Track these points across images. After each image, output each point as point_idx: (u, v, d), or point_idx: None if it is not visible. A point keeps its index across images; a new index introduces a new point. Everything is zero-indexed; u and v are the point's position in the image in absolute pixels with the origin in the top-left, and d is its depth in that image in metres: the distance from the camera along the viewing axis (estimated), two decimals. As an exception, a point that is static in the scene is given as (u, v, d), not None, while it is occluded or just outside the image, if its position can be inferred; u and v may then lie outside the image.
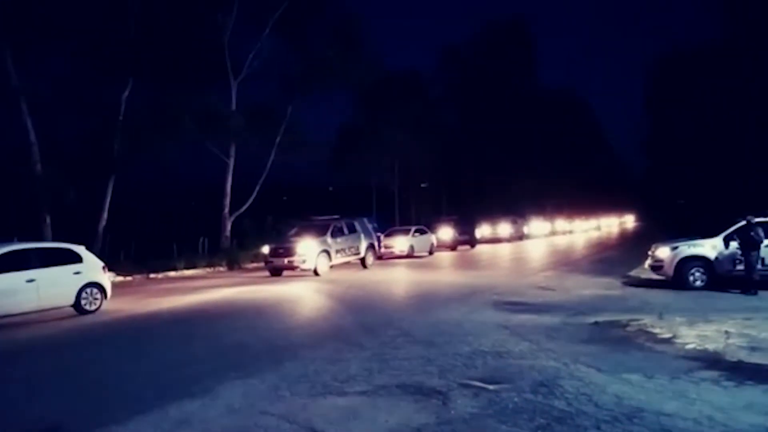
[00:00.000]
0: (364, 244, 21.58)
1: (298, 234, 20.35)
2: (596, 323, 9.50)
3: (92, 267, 13.00)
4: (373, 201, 41.58)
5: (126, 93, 23.02)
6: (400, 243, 27.29)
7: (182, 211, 19.17)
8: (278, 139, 27.34)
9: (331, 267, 20.12)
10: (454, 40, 74.96)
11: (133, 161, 23.90)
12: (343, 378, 6.60)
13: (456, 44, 53.70)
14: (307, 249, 19.10)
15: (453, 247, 32.62)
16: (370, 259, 21.97)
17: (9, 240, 12.72)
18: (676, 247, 13.74)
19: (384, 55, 61.86)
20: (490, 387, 6.04)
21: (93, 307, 12.70)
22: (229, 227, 26.78)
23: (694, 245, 13.53)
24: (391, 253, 26.85)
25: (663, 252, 13.95)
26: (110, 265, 20.12)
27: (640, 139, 57.64)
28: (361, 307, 12.34)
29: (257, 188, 28.08)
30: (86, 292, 12.60)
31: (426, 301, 13.14)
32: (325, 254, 19.44)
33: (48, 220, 21.09)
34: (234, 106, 26.45)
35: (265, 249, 20.10)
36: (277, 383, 6.51)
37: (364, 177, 40.77)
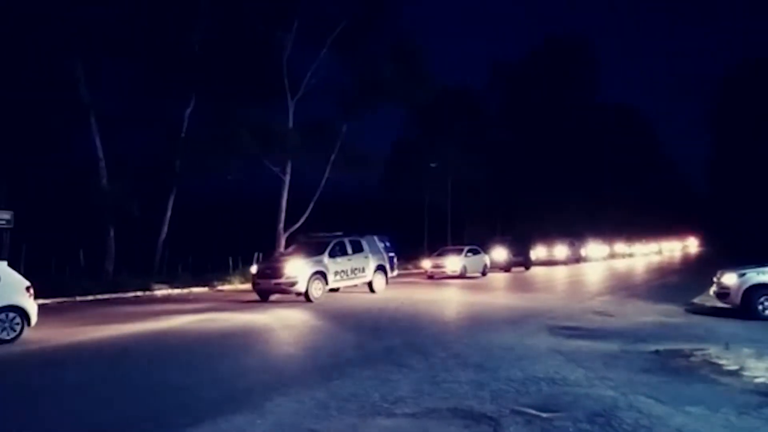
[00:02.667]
0: (372, 266, 19.48)
1: (293, 252, 18.76)
2: (657, 352, 9.10)
3: (9, 287, 10.88)
4: (425, 219, 41.43)
5: (189, 110, 23.81)
6: (452, 263, 26.73)
7: (239, 227, 19.48)
8: (333, 157, 27.66)
9: (332, 290, 18.57)
10: (508, 56, 74.41)
11: (194, 176, 24.63)
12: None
13: (511, 61, 53.39)
14: (297, 270, 16.93)
15: (507, 269, 32.19)
16: (379, 283, 19.77)
17: None
18: (743, 274, 13.07)
19: (439, 73, 61.86)
20: (544, 415, 5.83)
21: (9, 336, 10.64)
22: (283, 243, 27.16)
23: (764, 272, 12.84)
24: (443, 273, 26.34)
25: (730, 279, 13.30)
26: (168, 278, 20.89)
27: (704, 160, 55.76)
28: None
29: (311, 205, 28.41)
30: None
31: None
32: (319, 276, 17.34)
33: (112, 233, 21.90)
34: (291, 124, 26.95)
35: (254, 269, 18.60)
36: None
37: (417, 195, 40.70)
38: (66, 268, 20.80)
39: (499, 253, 32.36)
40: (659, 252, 65.73)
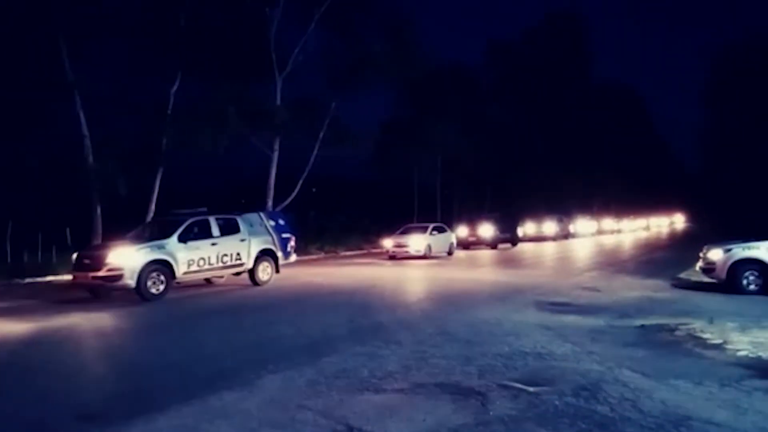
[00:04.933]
0: (253, 251, 15.74)
1: (137, 236, 15.07)
2: (643, 326, 9.21)
3: None
4: (415, 197, 41.42)
5: (174, 87, 23.49)
6: (415, 242, 24.88)
7: (228, 205, 19.19)
8: (322, 134, 27.48)
9: (206, 281, 15.95)
10: (503, 34, 73.94)
11: (180, 155, 24.41)
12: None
13: (505, 38, 53.07)
14: (124, 258, 13.07)
15: (493, 246, 31.61)
16: (264, 272, 16.06)
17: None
18: (729, 249, 13.21)
19: (432, 49, 61.21)
20: (531, 389, 5.90)
21: None
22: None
23: (749, 247, 12.98)
24: (406, 252, 24.62)
25: (715, 254, 13.44)
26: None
27: (695, 136, 55.99)
28: None
29: (300, 183, 28.30)
30: None
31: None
32: (159, 267, 13.48)
33: (99, 210, 21.77)
34: (279, 101, 26.69)
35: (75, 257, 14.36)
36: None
37: (408, 172, 40.63)
38: (53, 247, 20.75)
39: (486, 230, 31.72)
40: (647, 228, 66.27)
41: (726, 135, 44.70)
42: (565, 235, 42.63)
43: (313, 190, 33.05)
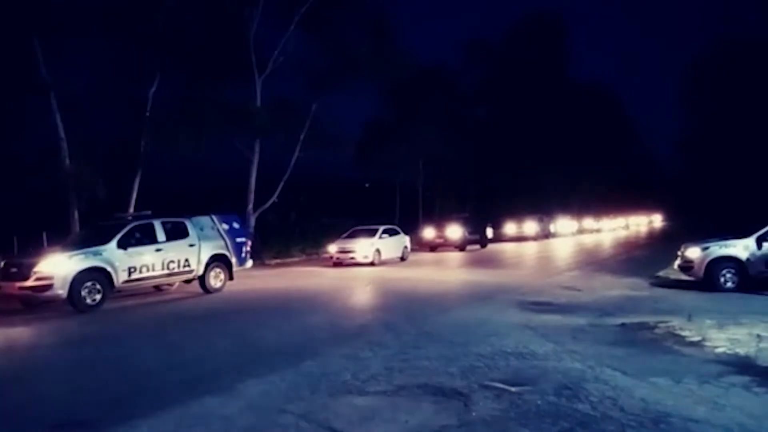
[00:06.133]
0: (203, 256, 14.78)
1: (74, 242, 14.12)
2: (623, 325, 9.31)
3: None
4: (397, 197, 41.46)
5: (153, 89, 23.25)
6: (362, 247, 22.17)
7: (207, 208, 18.89)
8: (303, 136, 27.37)
9: (156, 289, 15.02)
10: (483, 35, 74.33)
11: (160, 157, 24.16)
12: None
13: (485, 38, 53.38)
14: (53, 266, 12.07)
15: (462, 247, 30.19)
16: (215, 279, 15.12)
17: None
18: (706, 248, 13.42)
19: (413, 50, 61.34)
20: (513, 389, 5.93)
21: None
22: (252, 223, 26.91)
23: (726, 245, 13.20)
24: (351, 259, 21.87)
25: (693, 252, 13.64)
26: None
27: (673, 136, 56.78)
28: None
29: (281, 184, 28.16)
30: None
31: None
32: (95, 275, 12.47)
33: (76, 215, 21.44)
34: (259, 102, 26.55)
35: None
36: None
37: (390, 173, 40.67)
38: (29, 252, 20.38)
39: (454, 231, 30.29)
40: (626, 227, 67.00)
41: (703, 135, 45.36)
42: (546, 235, 42.95)
43: (301, 199, 32.80)
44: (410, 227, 32.74)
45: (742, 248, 12.96)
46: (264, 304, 13.31)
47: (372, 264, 21.73)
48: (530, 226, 41.53)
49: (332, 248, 22.98)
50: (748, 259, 12.82)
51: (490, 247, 33.12)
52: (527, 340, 8.28)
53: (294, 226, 27.92)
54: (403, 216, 38.47)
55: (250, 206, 26.94)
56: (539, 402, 5.52)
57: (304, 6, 25.69)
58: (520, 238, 39.88)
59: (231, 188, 28.81)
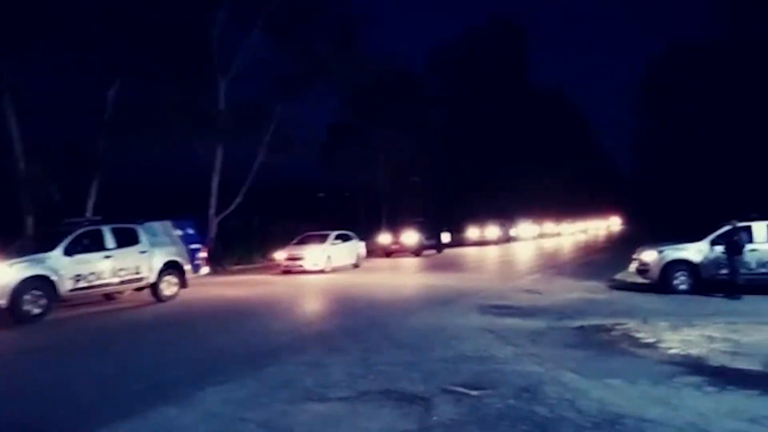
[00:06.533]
0: (156, 263, 14.14)
1: (17, 249, 13.08)
2: (581, 327, 9.49)
3: None
4: (360, 201, 41.46)
5: (112, 91, 22.76)
6: (312, 254, 21.04)
7: (168, 211, 18.40)
8: (267, 139, 27.15)
9: (107, 297, 14.22)
10: (445, 40, 75.14)
11: (120, 160, 23.65)
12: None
13: (447, 44, 54.00)
14: None
15: (417, 253, 29.29)
16: (168, 287, 14.43)
17: None
18: (661, 251, 13.80)
19: (377, 54, 61.39)
20: (473, 393, 5.98)
21: None
22: (215, 228, 26.55)
23: (680, 249, 13.60)
24: (301, 267, 20.68)
25: (649, 255, 14.01)
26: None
27: (629, 141, 58.30)
28: None
29: (244, 189, 27.85)
30: None
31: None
32: (38, 284, 11.83)
33: (31, 220, 20.80)
34: (222, 105, 26.23)
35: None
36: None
37: (354, 177, 40.69)
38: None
39: (410, 237, 29.50)
40: (585, 231, 68.29)
41: (657, 140, 46.73)
42: (508, 239, 43.49)
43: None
44: (374, 232, 32.80)
45: (695, 251, 13.36)
46: (220, 312, 12.94)
47: (322, 271, 20.64)
48: (492, 231, 42.01)
49: (280, 255, 21.90)
50: (701, 262, 13.22)
51: (452, 251, 33.21)
52: (488, 343, 8.37)
53: (257, 231, 27.60)
54: (367, 220, 38.50)
55: (212, 210, 26.57)
56: (499, 405, 5.59)
57: (268, 8, 25.52)
58: (482, 243, 40.29)
59: (193, 192, 28.37)
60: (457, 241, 39.74)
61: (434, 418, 5.34)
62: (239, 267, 24.43)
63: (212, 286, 17.11)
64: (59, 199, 20.56)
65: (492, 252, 33.13)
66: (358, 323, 10.50)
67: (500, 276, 19.32)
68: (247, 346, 8.97)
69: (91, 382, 7.12)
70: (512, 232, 45.22)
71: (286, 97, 27.61)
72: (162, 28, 22.75)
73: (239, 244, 26.16)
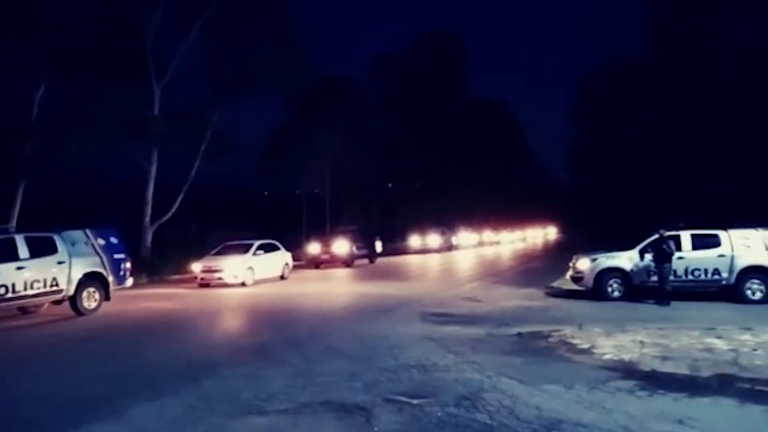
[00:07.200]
0: (75, 274, 13.27)
1: None
2: (519, 334, 9.65)
3: None
4: (303, 208, 41.14)
5: (39, 93, 21.78)
6: (231, 266, 19.53)
7: (99, 220, 17.48)
8: (204, 146, 26.55)
9: (21, 311, 13.40)
10: (386, 50, 75.94)
11: (47, 165, 22.61)
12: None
13: (388, 53, 54.58)
14: None
15: (349, 263, 27.65)
16: (89, 300, 13.54)
17: None
18: (595, 259, 14.24)
19: (318, 60, 61.32)
20: (414, 401, 5.98)
21: None
22: (150, 237, 25.72)
23: (612, 257, 14.07)
24: (219, 280, 19.22)
25: (583, 264, 14.43)
26: None
27: (564, 152, 60.24)
28: None
29: (181, 196, 27.13)
30: None
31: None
32: None
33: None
34: (157, 110, 25.50)
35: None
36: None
37: (295, 184, 40.34)
38: None
39: (341, 246, 27.83)
40: (524, 239, 69.88)
41: (592, 151, 48.46)
42: (449, 247, 43.98)
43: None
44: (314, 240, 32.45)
45: (626, 259, 13.86)
46: (145, 325, 12.32)
47: (243, 285, 19.33)
48: (433, 239, 42.43)
49: (197, 267, 20.18)
50: (632, 270, 13.72)
51: (390, 260, 32.88)
52: (429, 352, 8.41)
53: (194, 240, 26.88)
54: (310, 228, 38.19)
55: (147, 219, 25.75)
56: (439, 414, 5.60)
57: (207, 12, 25.02)
58: (424, 251, 40.61)
59: (127, 199, 27.45)
60: (400, 250, 39.90)
61: (375, 428, 5.30)
62: (177, 277, 23.70)
63: (137, 299, 16.12)
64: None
65: (433, 260, 33.44)
66: (297, 334, 10.35)
67: (441, 284, 19.48)
68: (178, 359, 8.67)
69: (11, 401, 6.71)
70: (453, 240, 45.80)
71: (224, 102, 27.11)
72: (93, 29, 21.97)
73: (176, 252, 25.39)
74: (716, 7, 31.01)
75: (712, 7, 31.05)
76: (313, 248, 28.21)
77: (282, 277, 21.77)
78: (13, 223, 21.19)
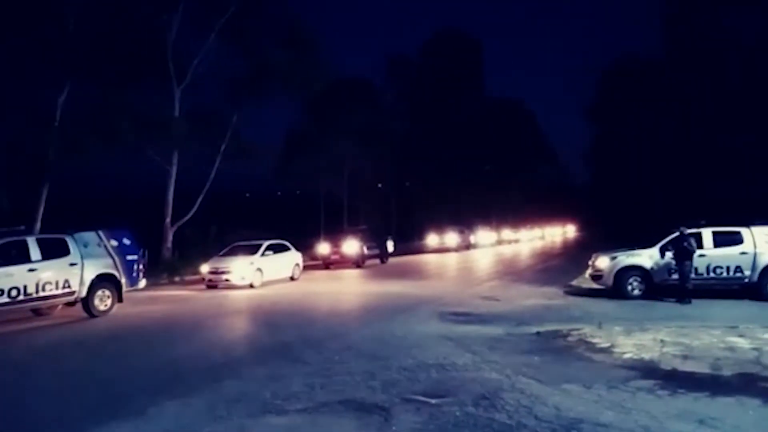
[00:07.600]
0: (87, 276, 13.21)
1: None
2: (538, 333, 9.62)
3: None
4: (321, 208, 41.31)
5: (63, 97, 22.15)
6: (239, 267, 19.13)
7: (123, 221, 17.64)
8: (223, 147, 26.81)
9: (35, 313, 13.28)
10: (402, 50, 75.96)
11: (70, 168, 22.99)
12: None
13: (405, 53, 54.62)
14: None
15: (359, 263, 26.96)
16: (102, 302, 13.49)
17: None
18: (615, 257, 14.13)
19: (334, 62, 61.59)
20: (433, 401, 5.99)
21: None
22: (170, 238, 26.02)
23: (632, 255, 13.95)
24: (227, 281, 18.88)
25: (603, 262, 14.32)
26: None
27: (583, 151, 59.78)
28: None
29: (201, 197, 27.42)
30: None
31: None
32: None
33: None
34: (177, 112, 25.79)
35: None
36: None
37: (313, 184, 40.51)
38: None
39: (350, 246, 27.05)
40: (542, 237, 69.43)
41: (610, 148, 48.03)
42: (467, 246, 43.88)
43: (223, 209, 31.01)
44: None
45: (647, 257, 13.73)
46: (166, 326, 12.23)
47: (251, 286, 18.95)
48: (451, 238, 42.38)
49: (204, 268, 19.93)
50: (652, 268, 13.59)
51: (405, 259, 32.47)
52: (448, 351, 8.41)
53: (214, 241, 27.12)
54: (328, 228, 38.32)
55: (168, 219, 26.05)
56: (458, 413, 5.61)
57: (224, 15, 25.26)
58: (441, 250, 40.59)
59: (149, 201, 27.81)
60: (417, 249, 39.89)
61: (393, 427, 5.33)
62: (196, 277, 23.90)
63: (149, 301, 15.99)
64: (8, 208, 19.84)
65: (451, 259, 33.37)
66: (317, 334, 10.40)
67: (459, 283, 19.44)
68: (199, 359, 8.78)
69: (33, 401, 6.85)
70: (471, 238, 45.67)
71: (243, 104, 27.36)
72: (115, 32, 22.27)
73: (196, 253, 25.64)
74: (716, 6, 30.61)
75: (712, 7, 30.67)
76: (323, 248, 27.65)
77: (292, 278, 21.41)
78: (38, 225, 21.60)
